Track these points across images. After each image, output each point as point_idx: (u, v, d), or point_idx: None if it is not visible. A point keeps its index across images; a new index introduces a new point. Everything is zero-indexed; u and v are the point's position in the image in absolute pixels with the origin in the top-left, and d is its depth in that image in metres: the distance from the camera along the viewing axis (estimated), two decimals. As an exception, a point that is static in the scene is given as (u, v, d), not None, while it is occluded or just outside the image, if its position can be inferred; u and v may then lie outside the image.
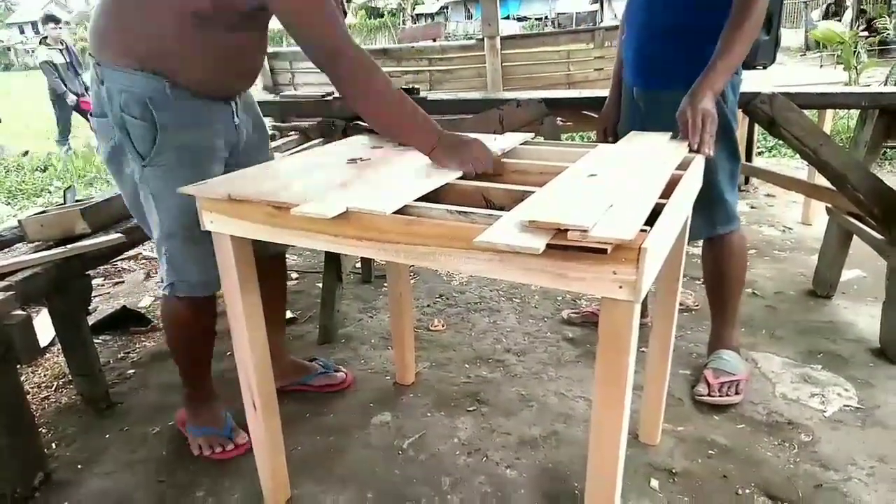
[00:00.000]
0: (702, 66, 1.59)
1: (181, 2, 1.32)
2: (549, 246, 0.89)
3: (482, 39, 5.83)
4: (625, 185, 1.09)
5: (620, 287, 0.90)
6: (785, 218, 3.61)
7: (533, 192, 1.08)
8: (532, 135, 1.68)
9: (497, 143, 1.52)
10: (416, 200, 1.08)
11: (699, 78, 1.58)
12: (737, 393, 1.89)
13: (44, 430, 1.91)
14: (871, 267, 2.64)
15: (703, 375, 1.94)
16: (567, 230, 0.87)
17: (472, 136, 1.41)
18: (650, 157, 1.33)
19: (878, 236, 2.14)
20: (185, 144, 1.43)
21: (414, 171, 1.31)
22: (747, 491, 1.56)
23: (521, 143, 1.57)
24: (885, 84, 6.27)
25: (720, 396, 1.88)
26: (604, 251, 0.86)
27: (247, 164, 1.52)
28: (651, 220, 0.95)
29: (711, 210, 1.82)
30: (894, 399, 1.88)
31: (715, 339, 2.04)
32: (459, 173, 1.29)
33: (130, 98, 1.37)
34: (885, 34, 10.86)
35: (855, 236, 2.35)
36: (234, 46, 1.45)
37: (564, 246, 0.89)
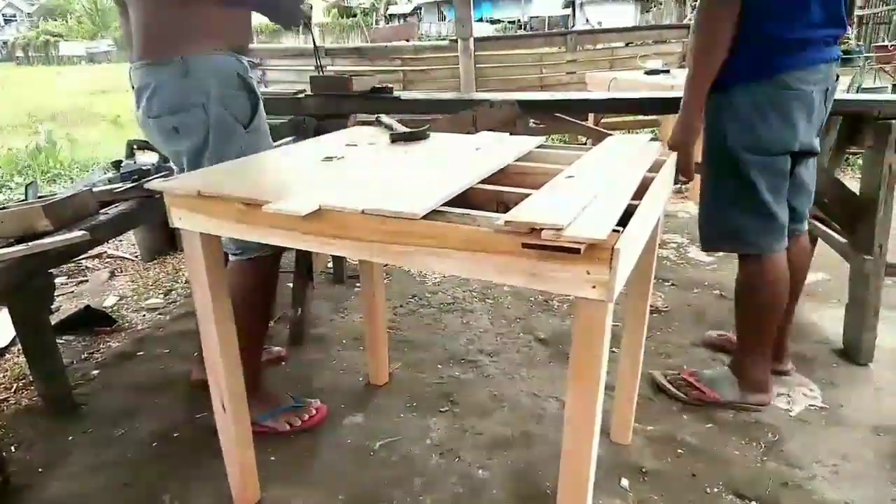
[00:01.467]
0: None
1: None
2: (525, 246, 0.90)
3: (456, 40, 5.83)
4: (600, 187, 1.10)
5: (594, 287, 0.90)
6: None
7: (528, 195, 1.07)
8: (544, 138, 1.67)
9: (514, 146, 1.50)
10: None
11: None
12: (685, 395, 1.92)
13: (2, 433, 1.85)
14: (835, 270, 2.70)
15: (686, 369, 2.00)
16: (542, 230, 0.87)
17: None
18: (626, 158, 1.34)
19: (842, 240, 2.19)
20: (264, 115, 1.68)
21: (390, 169, 1.30)
22: (716, 489, 1.58)
23: (537, 147, 1.55)
24: (848, 91, 6.44)
25: (671, 386, 1.95)
26: (577, 251, 0.86)
27: None
28: (624, 221, 0.96)
29: (705, 221, 1.81)
30: (857, 398, 1.93)
31: (732, 358, 1.97)
32: (439, 168, 1.28)
33: (228, 75, 1.56)
34: (847, 43, 11.16)
35: (819, 240, 2.40)
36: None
37: (539, 245, 0.89)
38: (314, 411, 1.86)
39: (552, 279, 0.92)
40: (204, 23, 1.54)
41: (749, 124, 1.63)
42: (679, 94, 2.19)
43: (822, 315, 2.47)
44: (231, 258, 1.67)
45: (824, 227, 2.31)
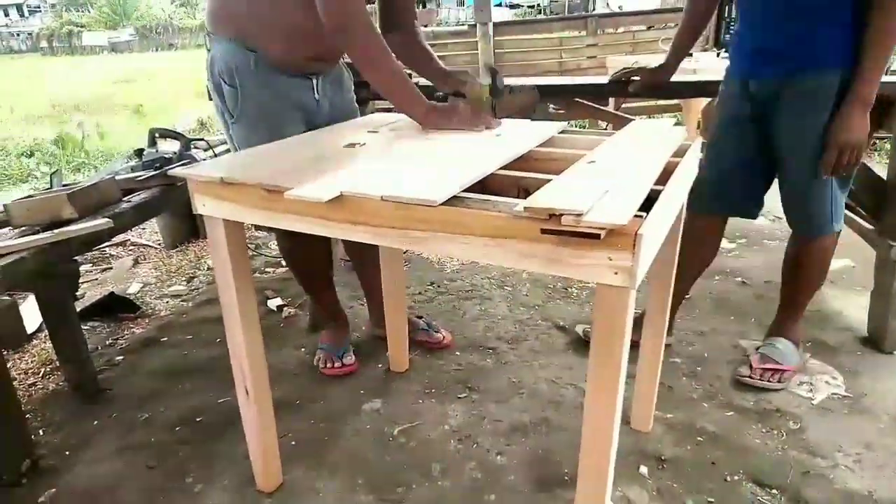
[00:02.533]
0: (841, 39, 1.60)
1: None
2: (544, 231, 0.89)
3: (475, 26, 5.79)
4: (622, 172, 1.09)
5: (616, 273, 0.89)
6: (775, 207, 3.60)
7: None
8: (566, 123, 1.66)
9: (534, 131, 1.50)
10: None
11: (848, 95, 1.60)
12: (779, 381, 1.90)
13: (30, 417, 1.89)
14: (861, 256, 2.65)
15: (749, 358, 1.98)
16: (561, 215, 0.87)
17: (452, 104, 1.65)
18: (649, 144, 1.32)
19: (868, 226, 2.15)
20: (261, 106, 1.66)
21: (410, 155, 1.30)
22: (735, 478, 1.57)
23: (559, 133, 1.53)
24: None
25: (761, 381, 1.90)
26: (597, 236, 0.86)
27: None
28: (648, 206, 0.95)
29: (817, 208, 1.79)
30: (881, 387, 1.90)
31: (776, 326, 2.04)
32: (458, 154, 1.28)
33: (224, 65, 1.63)
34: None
35: (845, 225, 2.36)
36: (305, 32, 1.61)
37: (559, 231, 0.88)
38: (339, 364, 2.06)
39: (573, 265, 0.91)
40: (230, 10, 1.62)
41: None
42: (703, 77, 2.15)
43: (847, 302, 2.43)
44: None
45: (850, 213, 2.27)
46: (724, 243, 3.07)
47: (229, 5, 1.64)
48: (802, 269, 1.94)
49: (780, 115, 1.75)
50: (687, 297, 2.50)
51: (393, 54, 1.55)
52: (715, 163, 1.92)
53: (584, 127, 5.38)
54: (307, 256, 1.98)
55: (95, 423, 1.88)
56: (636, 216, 0.88)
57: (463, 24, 6.35)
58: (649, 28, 6.36)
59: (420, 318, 2.29)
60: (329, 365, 2.06)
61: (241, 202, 1.19)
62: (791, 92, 1.70)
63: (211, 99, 1.74)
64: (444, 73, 1.84)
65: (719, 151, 1.92)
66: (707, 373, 2.01)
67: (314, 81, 1.75)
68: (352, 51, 1.56)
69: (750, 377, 1.91)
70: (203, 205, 1.25)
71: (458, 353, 2.19)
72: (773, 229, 3.29)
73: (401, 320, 2.02)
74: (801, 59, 1.67)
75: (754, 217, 2.00)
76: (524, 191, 1.17)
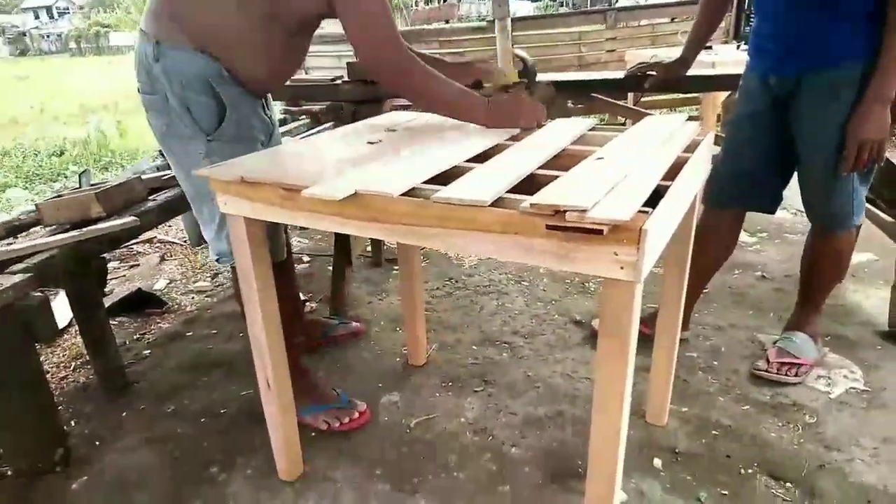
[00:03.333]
0: (862, 32, 1.59)
1: (252, 3, 1.43)
2: (550, 227, 0.92)
3: (493, 21, 5.78)
4: (630, 168, 1.10)
5: (622, 268, 0.91)
6: (796, 201, 3.54)
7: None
8: (595, 120, 1.67)
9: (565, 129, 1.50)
10: (424, 182, 1.10)
11: (867, 91, 1.59)
12: (796, 375, 1.90)
13: (62, 408, 1.96)
14: (882, 250, 2.63)
15: (766, 352, 1.98)
16: (566, 212, 0.89)
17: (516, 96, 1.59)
18: (661, 139, 1.33)
19: (889, 219, 2.13)
20: (242, 123, 1.54)
21: (425, 153, 1.32)
22: (749, 471, 1.58)
23: (590, 130, 1.52)
24: None
25: (778, 374, 1.91)
26: (600, 232, 0.88)
27: None
28: (656, 202, 0.97)
29: (837, 204, 1.79)
30: (901, 381, 1.89)
31: (794, 320, 2.04)
32: (471, 153, 1.30)
33: (193, 76, 1.45)
34: None
35: (866, 219, 2.34)
36: (287, 51, 1.55)
37: (564, 227, 0.91)
38: (357, 415, 1.82)
39: (580, 260, 0.94)
40: (195, 17, 1.45)
41: None
42: (719, 71, 2.14)
43: (867, 296, 2.41)
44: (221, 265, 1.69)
45: (871, 207, 2.25)
46: (745, 237, 3.07)
47: (197, 11, 1.46)
48: (821, 263, 1.93)
49: (800, 109, 1.74)
50: (705, 290, 2.50)
51: (438, 74, 1.49)
52: (732, 158, 1.93)
53: (603, 122, 5.37)
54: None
55: (124, 414, 1.94)
56: (641, 211, 0.90)
57: (483, 20, 6.36)
58: (672, 20, 6.30)
59: (332, 318, 2.37)
60: (346, 420, 1.81)
61: (261, 200, 1.23)
62: (811, 86, 1.70)
63: (151, 112, 1.56)
64: (462, 65, 1.83)
65: (737, 146, 1.92)
66: (724, 367, 2.01)
67: (264, 101, 1.64)
68: (409, 94, 1.54)
69: (767, 371, 1.91)
70: (225, 203, 1.29)
71: (474, 346, 2.22)
72: (794, 223, 3.26)
73: (419, 316, 2.05)
74: (820, 52, 1.66)
75: (772, 212, 1.99)
76: (537, 186, 1.19)
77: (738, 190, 1.94)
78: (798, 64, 1.71)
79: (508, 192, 1.03)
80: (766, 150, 1.87)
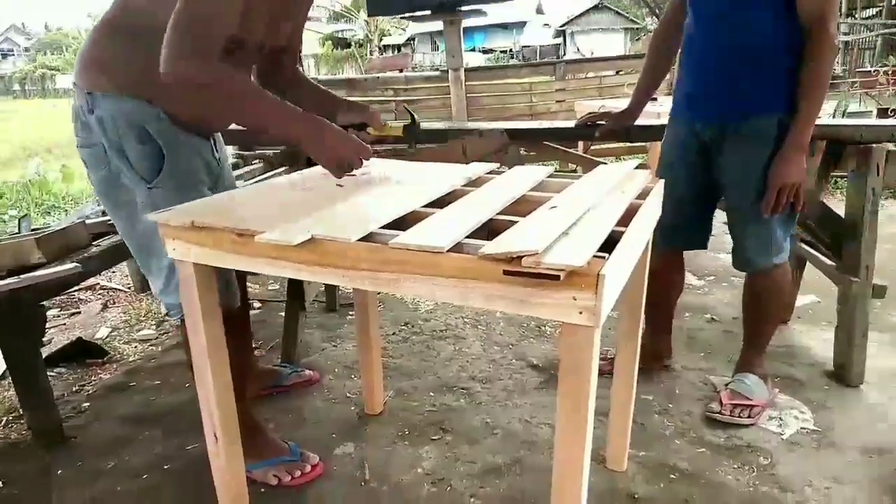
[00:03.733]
0: (782, 85, 1.73)
1: (160, 35, 1.28)
2: (507, 273, 0.91)
3: (447, 71, 5.92)
4: (584, 214, 1.12)
5: (581, 312, 0.91)
6: (741, 245, 3.71)
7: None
8: (554, 168, 1.69)
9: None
10: (381, 227, 1.09)
11: (787, 139, 1.72)
12: (749, 417, 1.92)
13: (-9, 468, 1.83)
14: (825, 292, 2.73)
15: (719, 394, 2.00)
16: (521, 258, 0.90)
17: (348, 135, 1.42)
18: (613, 186, 1.36)
19: (830, 262, 2.21)
20: (184, 168, 1.47)
21: (382, 197, 1.32)
22: (709, 515, 1.57)
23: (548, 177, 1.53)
24: (833, 116, 6.54)
25: (731, 417, 1.92)
26: (556, 277, 0.88)
27: None
28: (611, 247, 0.98)
29: (759, 244, 1.88)
30: (847, 420, 1.94)
31: (742, 362, 2.08)
32: (430, 198, 1.30)
33: (127, 124, 1.40)
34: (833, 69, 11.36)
35: (808, 262, 2.43)
36: None
37: (521, 273, 0.91)
38: (309, 468, 1.75)
39: (539, 305, 0.93)
40: (123, 63, 1.40)
41: None
42: (665, 121, 2.22)
43: (813, 337, 2.49)
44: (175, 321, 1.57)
45: (812, 250, 2.34)
46: (693, 279, 3.15)
47: (125, 56, 1.40)
48: (759, 304, 2.01)
49: (724, 155, 1.87)
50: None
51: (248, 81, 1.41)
52: (671, 203, 1.99)
53: (556, 169, 5.49)
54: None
55: (60, 473, 1.82)
56: (597, 257, 0.91)
57: (437, 69, 6.51)
58: (617, 72, 6.56)
59: (284, 365, 2.31)
60: (298, 473, 1.73)
61: (212, 246, 1.19)
62: (735, 134, 1.83)
63: (90, 166, 1.50)
64: (345, 102, 1.67)
65: (670, 190, 2.00)
66: (678, 409, 2.03)
67: (212, 141, 1.59)
68: (208, 96, 1.32)
69: (720, 413, 1.93)
70: (174, 249, 1.25)
71: (431, 393, 2.18)
72: (740, 267, 3.36)
73: (376, 362, 2.01)
74: (744, 104, 1.79)
75: (705, 247, 2.11)
76: (493, 232, 1.19)
77: (676, 229, 2.02)
78: (723, 113, 1.83)
79: (467, 237, 1.03)
80: (696, 190, 1.99)
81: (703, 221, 2.07)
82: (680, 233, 2.05)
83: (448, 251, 0.97)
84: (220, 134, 1.69)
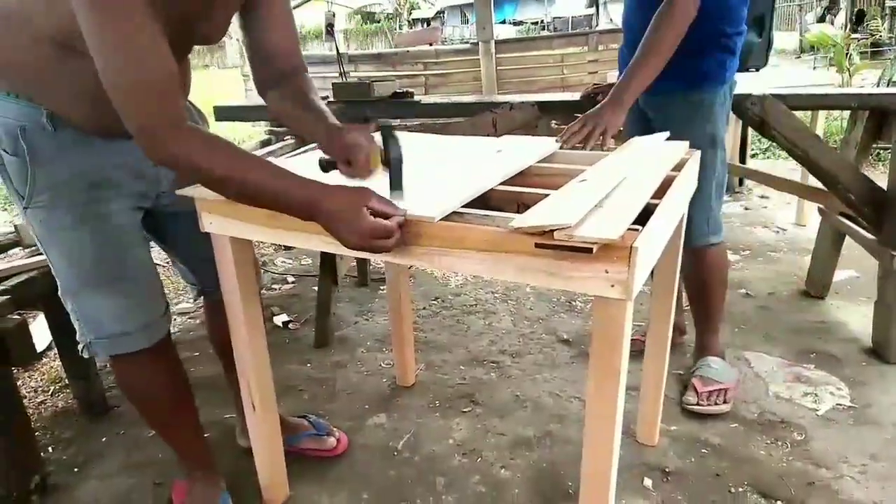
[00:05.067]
0: (702, 61, 1.72)
1: (36, 27, 1.10)
2: (537, 245, 0.91)
3: (477, 43, 5.85)
4: (618, 187, 1.11)
5: (612, 286, 0.91)
6: (779, 219, 3.64)
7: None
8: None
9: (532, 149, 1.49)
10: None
11: (613, 89, 1.71)
12: (724, 402, 1.87)
13: (40, 435, 1.91)
14: (864, 267, 2.66)
15: (690, 383, 1.92)
16: (554, 231, 0.89)
17: (362, 192, 1.03)
18: (647, 158, 1.34)
19: (870, 236, 2.16)
20: (66, 181, 1.20)
21: (411, 171, 1.32)
22: (740, 489, 1.57)
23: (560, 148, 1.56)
24: (878, 85, 6.31)
25: (708, 405, 1.87)
26: (589, 250, 0.88)
27: (178, 202, 1.31)
28: (645, 220, 0.97)
29: (698, 220, 1.83)
30: (886, 397, 1.90)
31: (700, 346, 2.04)
32: (456, 173, 1.30)
33: (2, 129, 1.16)
34: (877, 36, 10.93)
35: (847, 237, 2.37)
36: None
37: (553, 246, 0.90)
38: (335, 442, 1.75)
39: (570, 278, 0.93)
40: (11, 56, 1.14)
41: (723, 122, 1.82)
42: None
43: (851, 313, 2.43)
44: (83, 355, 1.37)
45: (851, 224, 2.28)
46: (729, 255, 3.09)
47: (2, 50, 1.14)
48: (702, 283, 1.96)
49: (664, 126, 1.75)
50: (686, 308, 2.50)
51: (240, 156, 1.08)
52: None
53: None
54: (158, 385, 1.44)
55: (104, 439, 1.90)
56: (631, 230, 0.90)
57: (466, 42, 6.43)
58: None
59: (305, 417, 1.84)
60: (325, 447, 1.72)
61: (247, 220, 1.21)
62: (675, 105, 1.80)
63: None
64: (333, 133, 1.20)
65: None
66: (711, 385, 2.01)
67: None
68: (201, 179, 1.11)
69: (698, 404, 1.87)
70: (210, 223, 1.28)
71: (462, 367, 2.20)
72: (777, 241, 3.30)
73: (407, 336, 2.03)
74: (686, 77, 1.76)
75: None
76: (524, 205, 1.19)
77: None
78: (667, 86, 1.76)
79: (496, 211, 1.03)
80: None
81: None
82: None
83: (478, 224, 0.97)
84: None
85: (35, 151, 1.17)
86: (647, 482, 1.60)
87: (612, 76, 4.77)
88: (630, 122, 1.97)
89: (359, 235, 1.00)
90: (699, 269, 1.94)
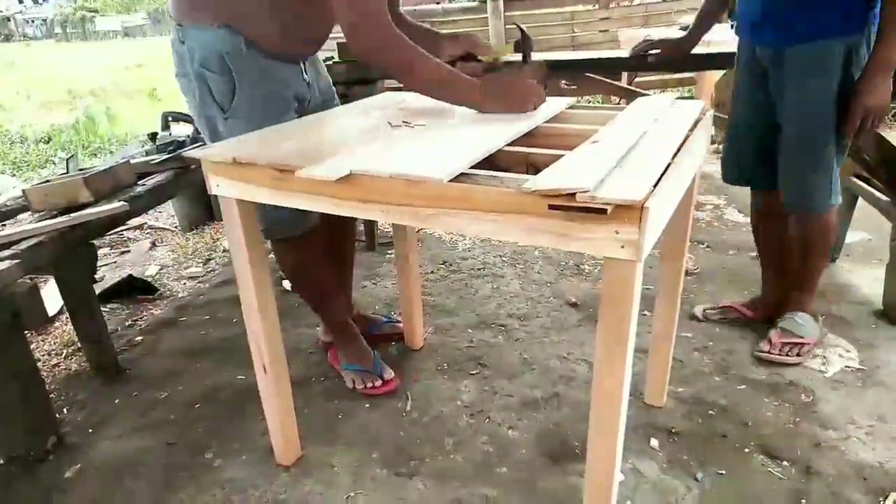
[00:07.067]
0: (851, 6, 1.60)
1: None
2: (551, 207, 0.90)
3: (485, 1, 5.73)
4: (632, 147, 1.09)
5: (623, 247, 0.90)
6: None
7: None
8: (575, 99, 1.64)
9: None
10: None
11: (870, 61, 1.60)
12: (798, 355, 1.89)
13: (54, 396, 1.94)
14: (877, 229, 2.63)
15: (768, 336, 1.95)
16: (572, 193, 0.88)
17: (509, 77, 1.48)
18: (658, 119, 1.32)
19: (884, 198, 2.13)
20: (259, 96, 1.51)
21: (420, 133, 1.30)
22: (746, 450, 1.58)
23: (568, 108, 1.53)
24: None
25: (779, 355, 1.89)
26: (603, 211, 0.86)
27: None
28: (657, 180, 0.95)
29: (817, 181, 1.77)
30: (895, 360, 1.90)
31: (792, 302, 2.01)
32: (469, 136, 1.28)
33: (210, 53, 1.46)
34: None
35: (860, 198, 2.34)
36: (302, 15, 1.51)
37: (567, 207, 0.89)
38: (380, 383, 1.87)
39: (581, 240, 0.92)
40: None
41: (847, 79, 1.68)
42: (716, 49, 2.13)
43: (862, 275, 2.42)
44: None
45: (866, 186, 2.25)
46: (739, 217, 3.07)
47: None
48: (812, 246, 1.91)
49: (784, 81, 1.73)
50: (696, 270, 2.49)
51: (426, 53, 1.41)
52: (731, 132, 1.93)
53: (597, 102, 5.33)
54: (316, 269, 1.83)
55: (117, 401, 1.93)
56: (640, 189, 0.89)
57: (474, 0, 6.29)
58: (663, 0, 6.26)
59: (376, 314, 2.25)
60: (370, 385, 1.86)
61: (254, 182, 1.20)
62: (795, 58, 1.70)
63: (185, 95, 1.59)
64: (447, 36, 1.74)
65: (734, 120, 1.93)
66: (718, 347, 2.01)
67: (302, 66, 1.63)
68: (393, 72, 1.45)
69: (769, 353, 1.91)
70: (217, 185, 1.27)
71: (469, 330, 2.21)
72: (788, 203, 3.26)
73: (416, 299, 2.03)
74: (805, 27, 1.66)
75: (774, 187, 1.89)
76: (533, 167, 1.17)
77: (737, 164, 1.94)
78: (784, 35, 1.69)
79: (504, 172, 1.01)
80: (758, 121, 1.86)
81: (766, 156, 1.88)
82: (741, 168, 1.96)
83: (489, 186, 0.96)
84: (321, 64, 1.76)
85: (239, 71, 1.47)
86: (654, 442, 1.61)
87: (623, 34, 4.67)
88: (743, 78, 1.90)
89: (523, 94, 1.42)
90: (811, 232, 1.87)
